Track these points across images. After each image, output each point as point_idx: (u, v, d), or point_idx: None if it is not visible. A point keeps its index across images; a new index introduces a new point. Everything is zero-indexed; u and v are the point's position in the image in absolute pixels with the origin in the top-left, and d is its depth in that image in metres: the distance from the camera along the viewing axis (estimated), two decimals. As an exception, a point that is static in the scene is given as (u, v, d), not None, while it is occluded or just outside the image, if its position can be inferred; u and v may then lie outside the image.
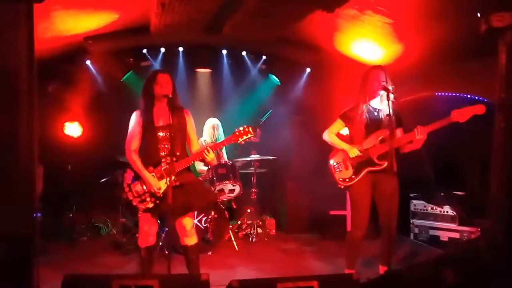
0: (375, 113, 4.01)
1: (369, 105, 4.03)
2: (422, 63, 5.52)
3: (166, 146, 3.68)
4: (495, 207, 3.49)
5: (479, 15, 3.35)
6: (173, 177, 3.49)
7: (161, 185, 3.66)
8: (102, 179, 5.93)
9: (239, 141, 3.67)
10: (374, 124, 3.99)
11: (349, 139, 4.21)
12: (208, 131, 6.31)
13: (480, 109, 3.65)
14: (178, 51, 7.16)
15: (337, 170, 4.16)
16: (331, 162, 4.22)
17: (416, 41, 5.29)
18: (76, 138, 6.62)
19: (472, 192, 5.58)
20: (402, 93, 5.65)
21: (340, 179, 4.13)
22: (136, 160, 3.70)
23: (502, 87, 3.39)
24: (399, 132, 4.01)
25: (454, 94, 5.69)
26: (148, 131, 3.70)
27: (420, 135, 3.74)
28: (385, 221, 3.97)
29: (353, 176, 4.04)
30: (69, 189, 6.42)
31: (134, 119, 3.78)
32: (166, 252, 5.04)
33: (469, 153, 5.38)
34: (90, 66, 6.78)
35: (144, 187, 3.68)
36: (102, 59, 6.71)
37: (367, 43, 5.84)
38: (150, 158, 3.71)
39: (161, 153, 3.69)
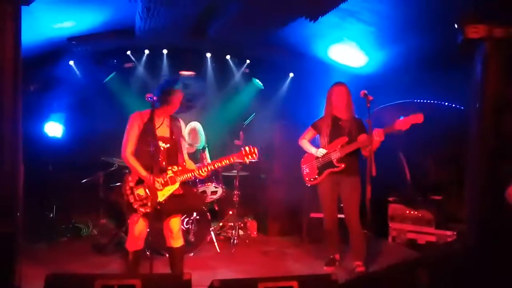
0: (339, 123, 4.65)
1: (334, 115, 4.68)
2: (402, 71, 5.66)
3: (165, 156, 3.74)
4: (470, 211, 3.62)
5: (456, 26, 3.49)
6: (177, 185, 3.71)
7: (164, 192, 3.71)
8: (83, 179, 5.90)
9: (244, 161, 3.81)
10: (337, 131, 4.63)
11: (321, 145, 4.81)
12: (187, 136, 6.28)
13: (418, 119, 4.11)
14: (162, 53, 7.16)
15: (305, 171, 4.94)
16: (302, 164, 4.99)
17: (396, 49, 5.42)
18: (58, 138, 6.57)
19: (448, 197, 5.71)
20: (382, 99, 5.81)
21: (307, 178, 4.92)
22: (134, 162, 3.68)
23: (477, 96, 3.53)
24: (363, 137, 4.54)
25: (432, 101, 5.84)
26: (148, 139, 3.65)
27: (377, 136, 4.24)
28: (348, 216, 4.63)
29: (317, 176, 4.79)
30: (50, 190, 6.37)
31: (134, 122, 3.74)
32: (148, 253, 5.05)
33: (445, 158, 5.51)
34: (74, 66, 6.75)
35: (147, 190, 3.66)
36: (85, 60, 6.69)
37: (349, 50, 5.96)
38: (150, 165, 3.65)
39: (162, 162, 3.72)
